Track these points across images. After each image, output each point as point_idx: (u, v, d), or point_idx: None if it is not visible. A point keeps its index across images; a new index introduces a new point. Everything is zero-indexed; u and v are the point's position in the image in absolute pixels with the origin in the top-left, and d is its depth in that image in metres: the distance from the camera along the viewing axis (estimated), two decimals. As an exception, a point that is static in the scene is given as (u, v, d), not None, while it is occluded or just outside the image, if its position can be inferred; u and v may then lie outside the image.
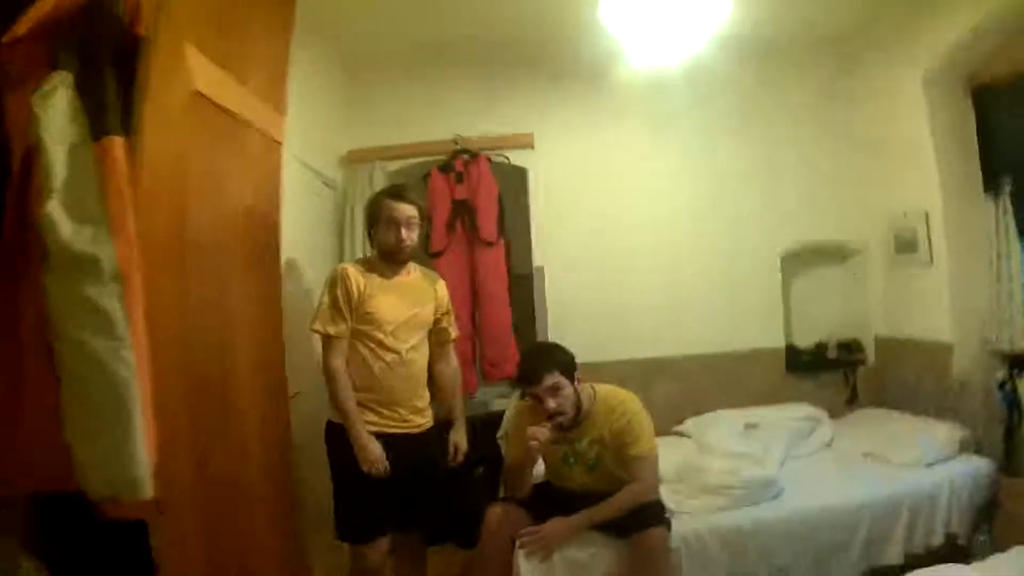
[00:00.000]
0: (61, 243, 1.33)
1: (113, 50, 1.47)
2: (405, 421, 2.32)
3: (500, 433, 3.19)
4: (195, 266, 1.83)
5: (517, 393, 2.87)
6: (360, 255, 3.44)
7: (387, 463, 2.20)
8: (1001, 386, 3.03)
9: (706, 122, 3.86)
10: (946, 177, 3.38)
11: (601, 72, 3.65)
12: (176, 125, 1.73)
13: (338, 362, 2.25)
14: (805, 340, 3.99)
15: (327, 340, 2.27)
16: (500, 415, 3.29)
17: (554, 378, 2.30)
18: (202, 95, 1.85)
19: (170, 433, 1.50)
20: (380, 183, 3.50)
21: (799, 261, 4.00)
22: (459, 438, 2.54)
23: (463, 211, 3.54)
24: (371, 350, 2.28)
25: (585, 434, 2.40)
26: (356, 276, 2.30)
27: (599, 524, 2.34)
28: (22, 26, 1.41)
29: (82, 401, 1.34)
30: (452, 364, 2.62)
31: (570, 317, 3.72)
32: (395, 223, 2.31)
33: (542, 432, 2.28)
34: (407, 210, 2.33)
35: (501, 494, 2.66)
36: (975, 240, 3.29)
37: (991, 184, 3.24)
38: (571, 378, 2.35)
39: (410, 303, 2.37)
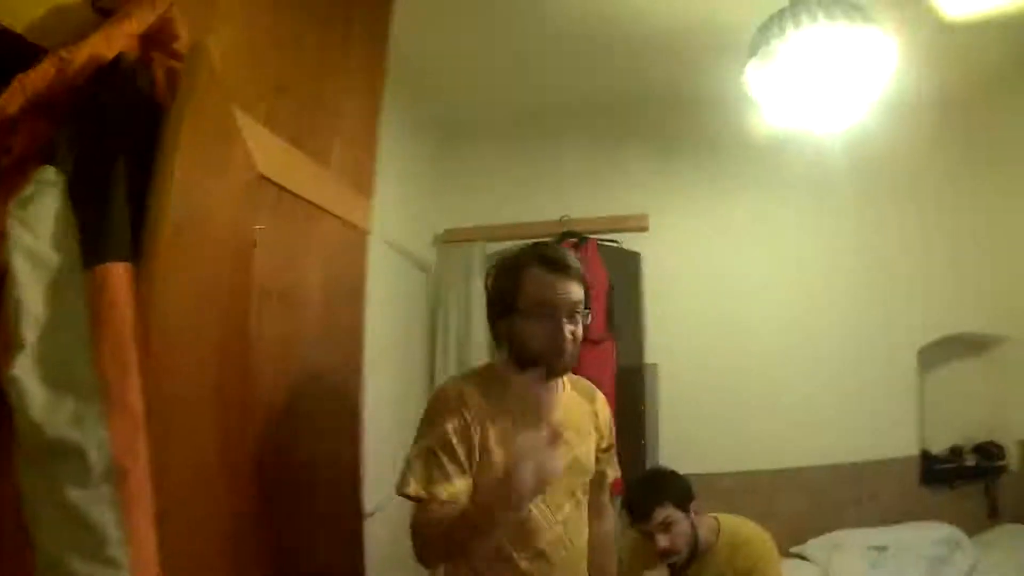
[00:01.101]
0: (32, 422, 0.92)
1: (131, 134, 1.06)
2: None
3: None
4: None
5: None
6: (454, 354, 3.13)
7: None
8: None
9: (841, 201, 3.45)
10: None
11: (727, 144, 3.32)
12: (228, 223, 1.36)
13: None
14: (939, 445, 3.57)
15: (423, 506, 1.39)
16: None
17: (666, 511, 2.04)
18: (266, 179, 1.52)
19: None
20: (478, 267, 3.19)
21: (935, 353, 3.57)
22: None
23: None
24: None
25: (705, 573, 2.10)
26: (476, 402, 1.49)
27: None
28: (13, 101, 0.97)
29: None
30: (609, 520, 1.87)
31: (683, 420, 3.38)
32: (552, 309, 1.47)
33: (659, 574, 2.03)
34: (573, 290, 1.49)
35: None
36: None
37: None
38: (686, 510, 2.08)
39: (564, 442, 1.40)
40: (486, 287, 1.62)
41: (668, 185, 3.54)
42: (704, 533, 2.13)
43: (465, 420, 1.45)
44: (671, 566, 2.07)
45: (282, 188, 1.63)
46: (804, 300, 3.50)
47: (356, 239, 2.18)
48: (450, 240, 3.34)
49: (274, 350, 1.62)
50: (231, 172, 1.37)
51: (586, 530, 1.64)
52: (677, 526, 2.05)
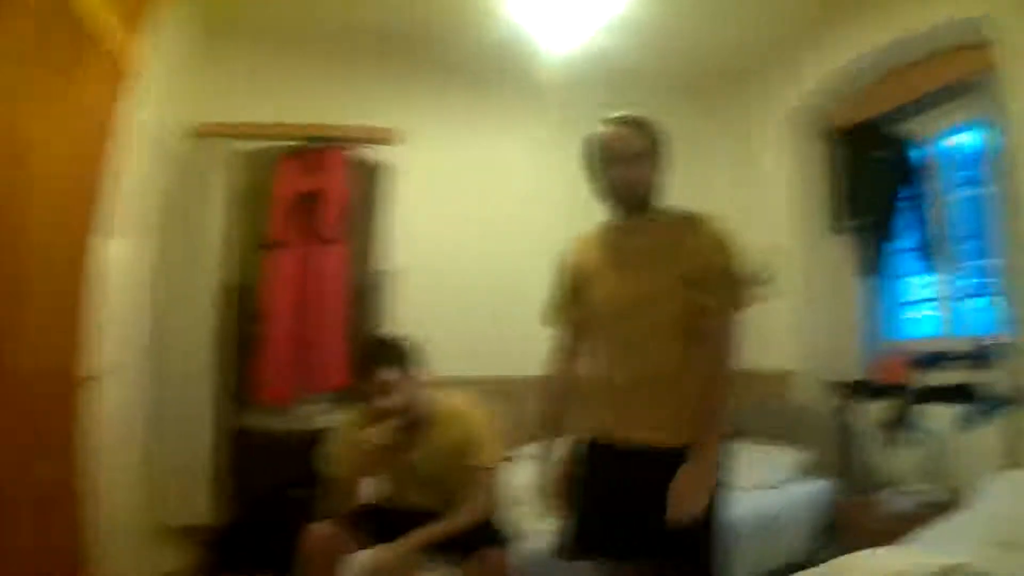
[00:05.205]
0: None
1: None
2: None
3: (323, 451, 2.88)
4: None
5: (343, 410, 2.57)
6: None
7: None
8: (838, 411, 3.21)
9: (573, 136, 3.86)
10: (795, 215, 3.64)
11: (487, 69, 3.61)
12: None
13: None
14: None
15: None
16: (322, 433, 2.99)
17: (391, 372, 2.07)
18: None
19: None
20: (225, 163, 3.19)
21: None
22: None
23: (308, 203, 3.23)
24: None
25: (423, 444, 2.16)
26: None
27: (433, 545, 2.07)
28: None
29: None
30: (716, 350, 1.76)
31: (417, 326, 3.46)
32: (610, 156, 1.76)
33: (373, 436, 2.03)
34: (626, 138, 1.74)
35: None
36: (819, 275, 3.55)
37: (837, 223, 3.52)
38: (410, 375, 2.12)
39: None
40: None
41: (428, 106, 3.75)
42: (426, 404, 2.17)
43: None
44: (395, 430, 2.08)
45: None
46: (546, 218, 3.78)
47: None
48: (200, 134, 3.23)
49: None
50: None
51: (682, 368, 1.68)
52: (400, 388, 2.08)
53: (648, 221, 1.77)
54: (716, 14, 3.42)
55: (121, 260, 2.45)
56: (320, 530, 2.09)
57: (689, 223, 1.74)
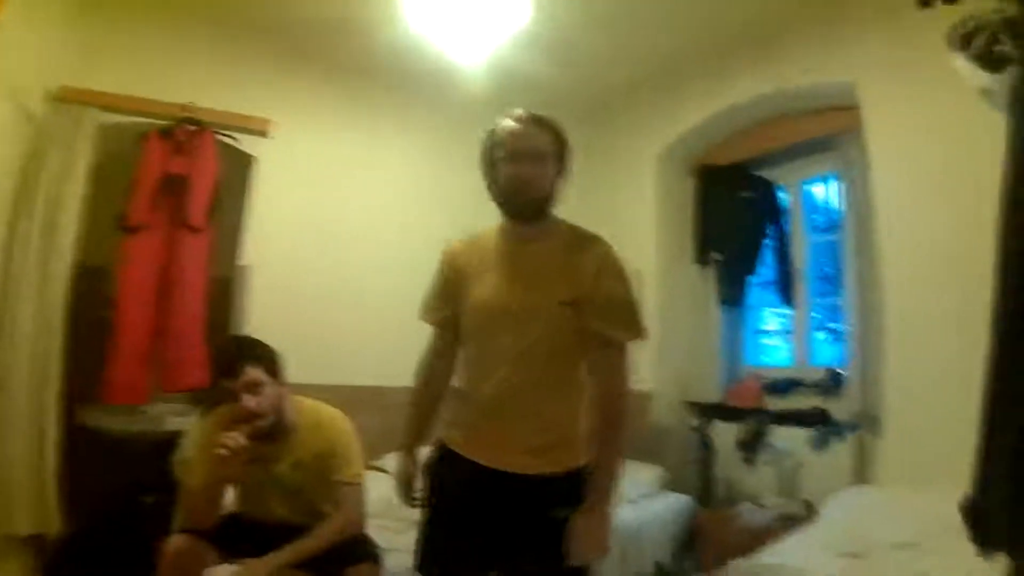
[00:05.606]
0: None
1: None
2: None
3: (178, 456, 2.64)
4: None
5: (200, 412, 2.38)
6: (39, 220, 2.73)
7: None
8: (695, 431, 3.37)
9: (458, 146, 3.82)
10: (663, 244, 3.81)
11: (365, 68, 3.55)
12: None
13: None
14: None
15: None
16: (176, 436, 2.74)
17: (256, 373, 1.94)
18: None
19: None
20: (88, 133, 2.85)
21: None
22: None
23: (174, 187, 2.96)
24: None
25: (286, 454, 2.04)
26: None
27: (301, 562, 1.94)
28: None
29: None
30: (602, 379, 1.69)
31: (275, 328, 3.28)
32: (510, 154, 1.62)
33: (235, 439, 1.85)
34: (532, 135, 1.63)
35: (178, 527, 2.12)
36: (681, 303, 3.72)
37: (701, 254, 3.73)
38: (275, 376, 2.00)
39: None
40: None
41: (297, 98, 3.61)
42: (289, 410, 2.06)
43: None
44: (257, 435, 1.92)
45: None
46: (405, 230, 3.78)
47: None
48: (64, 99, 2.87)
49: None
50: None
51: (551, 391, 1.58)
52: (265, 389, 1.95)
53: (541, 230, 1.65)
54: (614, 43, 3.53)
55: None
56: (178, 543, 1.92)
57: (585, 242, 1.63)
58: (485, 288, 1.63)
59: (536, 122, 1.64)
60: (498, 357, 1.59)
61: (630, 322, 1.59)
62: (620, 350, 1.58)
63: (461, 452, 1.64)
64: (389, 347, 3.48)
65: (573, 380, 1.61)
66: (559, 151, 1.65)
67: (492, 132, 1.67)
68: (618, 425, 1.56)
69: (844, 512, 2.41)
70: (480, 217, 1.77)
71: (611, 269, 1.60)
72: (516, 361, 1.57)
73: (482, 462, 1.60)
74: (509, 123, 1.64)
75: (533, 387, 1.57)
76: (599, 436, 1.54)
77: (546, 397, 1.58)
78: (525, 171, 1.59)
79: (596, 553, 1.52)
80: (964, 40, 1.33)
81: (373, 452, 3.26)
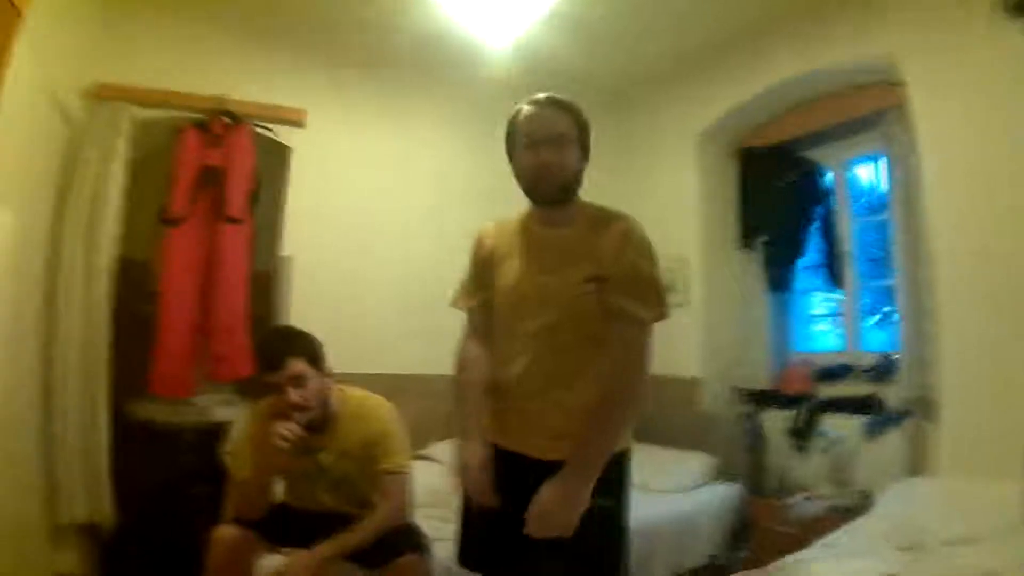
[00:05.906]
0: None
1: None
2: None
3: (226, 447, 2.66)
4: None
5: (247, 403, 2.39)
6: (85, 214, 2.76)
7: None
8: (746, 418, 3.30)
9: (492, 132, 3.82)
10: (706, 229, 3.72)
11: (398, 57, 3.51)
12: None
13: None
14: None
15: None
16: (223, 426, 2.76)
17: (300, 365, 1.93)
18: None
19: None
20: (125, 129, 2.86)
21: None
22: None
23: (212, 179, 2.96)
24: None
25: (331, 444, 2.04)
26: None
27: (349, 553, 1.94)
28: None
29: None
30: (619, 353, 1.64)
31: (316, 318, 3.29)
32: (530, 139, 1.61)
33: (293, 429, 1.87)
34: (552, 119, 1.61)
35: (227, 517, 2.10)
36: (727, 288, 3.64)
37: (746, 239, 3.63)
38: (319, 368, 2.00)
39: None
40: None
41: (332, 88, 3.59)
42: (334, 400, 2.06)
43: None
44: (306, 426, 1.94)
45: None
46: (448, 213, 3.72)
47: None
48: (99, 96, 2.89)
49: None
50: None
51: (577, 376, 1.54)
52: (310, 382, 1.95)
53: (567, 214, 1.63)
54: (649, 22, 3.45)
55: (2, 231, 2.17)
56: (228, 533, 1.92)
57: (610, 219, 1.60)
58: (511, 273, 1.63)
59: (555, 105, 1.61)
60: (523, 342, 1.57)
61: (651, 298, 1.54)
62: (640, 328, 1.53)
63: (489, 438, 1.61)
64: (431, 334, 3.46)
65: (600, 365, 1.54)
66: (580, 133, 1.63)
67: (513, 117, 1.65)
68: (620, 404, 1.50)
69: (898, 504, 2.32)
70: (515, 203, 1.73)
71: (635, 244, 1.56)
72: (541, 345, 1.55)
73: (508, 447, 1.59)
74: (527, 108, 1.62)
75: (558, 371, 1.55)
76: (593, 410, 1.48)
77: (572, 382, 1.54)
78: (545, 156, 1.57)
79: (552, 530, 1.43)
80: (1018, 6, 1.24)
81: (417, 440, 3.27)
